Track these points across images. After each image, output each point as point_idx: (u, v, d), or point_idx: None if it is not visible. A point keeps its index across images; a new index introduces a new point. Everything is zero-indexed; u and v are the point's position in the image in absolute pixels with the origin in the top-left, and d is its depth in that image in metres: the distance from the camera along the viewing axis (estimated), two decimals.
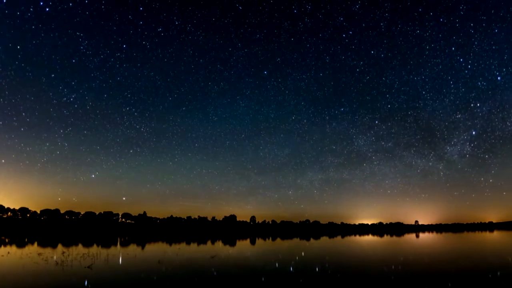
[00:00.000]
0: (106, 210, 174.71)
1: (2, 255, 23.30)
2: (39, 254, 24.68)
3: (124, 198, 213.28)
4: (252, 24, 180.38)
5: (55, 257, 22.53)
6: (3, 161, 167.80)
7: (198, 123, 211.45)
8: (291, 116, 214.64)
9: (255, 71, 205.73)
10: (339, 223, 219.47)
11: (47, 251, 27.88)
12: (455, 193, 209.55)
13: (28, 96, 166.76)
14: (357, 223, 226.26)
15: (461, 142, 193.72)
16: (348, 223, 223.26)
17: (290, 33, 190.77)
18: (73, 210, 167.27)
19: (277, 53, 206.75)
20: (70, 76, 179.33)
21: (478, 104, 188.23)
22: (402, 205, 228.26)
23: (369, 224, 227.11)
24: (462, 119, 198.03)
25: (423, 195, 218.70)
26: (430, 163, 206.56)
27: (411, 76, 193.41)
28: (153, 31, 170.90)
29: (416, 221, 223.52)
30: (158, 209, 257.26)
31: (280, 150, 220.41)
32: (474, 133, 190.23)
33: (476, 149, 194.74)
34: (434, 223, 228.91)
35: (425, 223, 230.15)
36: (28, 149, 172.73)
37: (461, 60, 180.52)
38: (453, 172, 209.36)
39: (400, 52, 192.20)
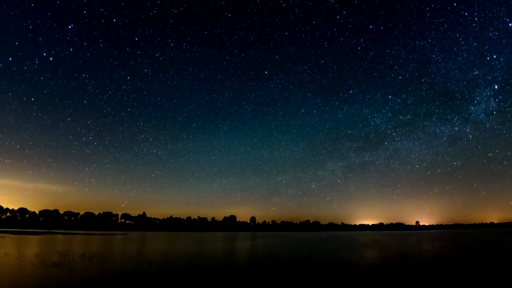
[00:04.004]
0: (105, 211, 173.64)
1: (1, 257, 22.61)
2: (37, 255, 24.09)
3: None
4: (244, 28, 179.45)
5: (53, 258, 21.92)
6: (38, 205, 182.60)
7: (210, 136, 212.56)
8: (300, 109, 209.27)
9: (256, 73, 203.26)
10: (340, 224, 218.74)
11: (46, 252, 27.24)
12: (490, 154, 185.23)
13: (50, 142, 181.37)
14: (357, 224, 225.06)
15: (485, 99, 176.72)
16: (348, 223, 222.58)
17: (283, 28, 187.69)
18: (72, 210, 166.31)
19: (274, 51, 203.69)
20: (85, 116, 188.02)
21: (495, 56, 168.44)
22: (433, 179, 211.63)
23: (370, 224, 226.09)
24: (480, 74, 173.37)
25: (455, 164, 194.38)
26: (456, 128, 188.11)
27: (417, 42, 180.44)
28: (152, 57, 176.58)
29: (417, 222, 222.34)
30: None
31: (295, 146, 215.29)
32: (496, 87, 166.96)
33: (502, 104, 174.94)
34: (437, 222, 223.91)
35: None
36: (59, 191, 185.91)
37: (466, 14, 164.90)
38: (483, 133, 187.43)
39: (400, 20, 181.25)
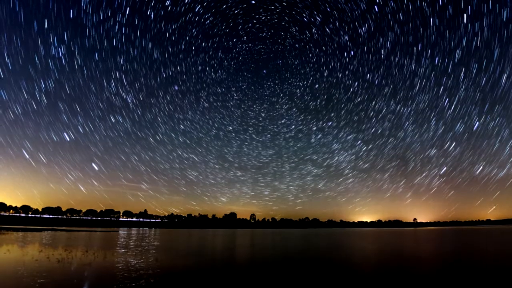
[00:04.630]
0: (107, 208, 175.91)
1: (4, 253, 23.52)
2: (40, 251, 24.83)
3: (95, 166, 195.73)
4: (261, 21, 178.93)
5: (56, 254, 22.64)
6: None
7: (188, 105, 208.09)
8: (281, 119, 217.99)
9: (255, 68, 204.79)
10: (338, 221, 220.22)
11: (49, 248, 28.02)
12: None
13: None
14: (356, 221, 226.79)
15: (431, 176, 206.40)
16: (347, 220, 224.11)
17: (296, 39, 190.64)
18: (75, 208, 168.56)
19: (279, 55, 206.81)
20: (65, 28, 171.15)
21: (453, 145, 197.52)
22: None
23: (368, 221, 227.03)
24: (436, 155, 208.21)
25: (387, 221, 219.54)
26: (399, 190, 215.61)
27: (399, 107, 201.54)
28: (161, 2, 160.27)
29: (415, 219, 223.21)
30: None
31: (264, 150, 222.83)
32: (444, 170, 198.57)
33: (442, 185, 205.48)
34: None
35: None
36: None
37: (446, 101, 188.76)
38: (417, 202, 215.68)
39: (393, 82, 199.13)
